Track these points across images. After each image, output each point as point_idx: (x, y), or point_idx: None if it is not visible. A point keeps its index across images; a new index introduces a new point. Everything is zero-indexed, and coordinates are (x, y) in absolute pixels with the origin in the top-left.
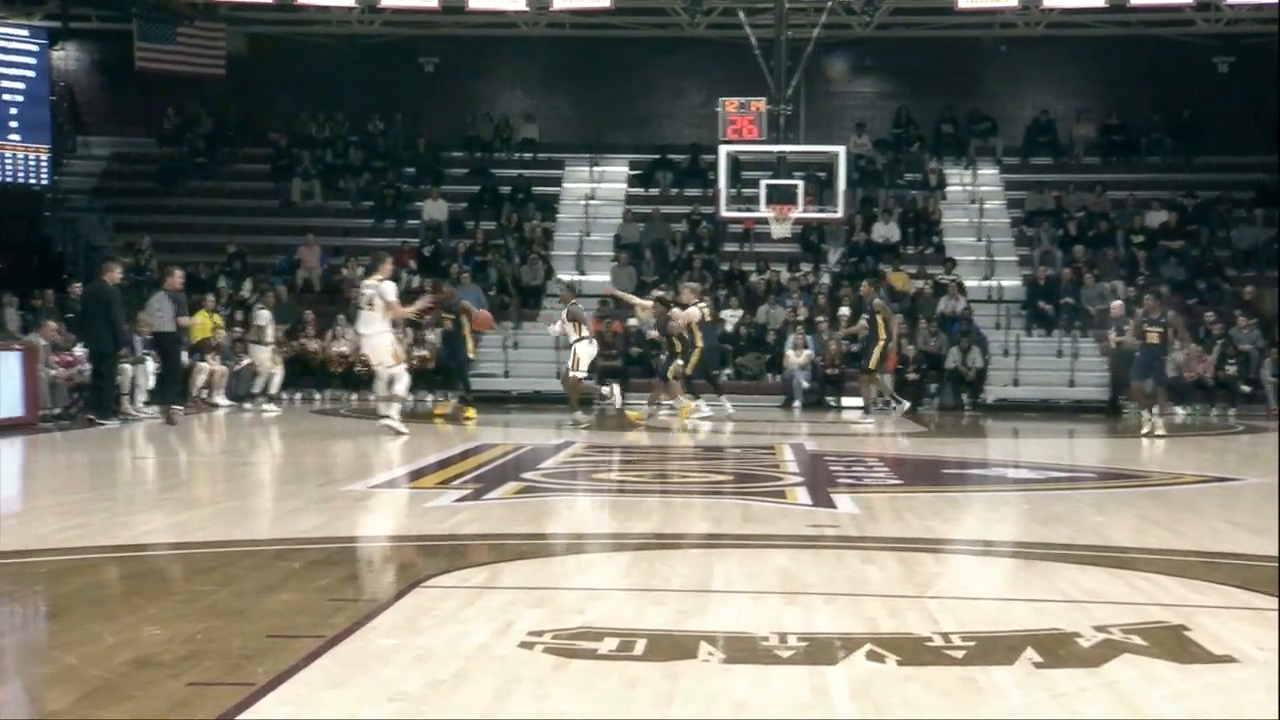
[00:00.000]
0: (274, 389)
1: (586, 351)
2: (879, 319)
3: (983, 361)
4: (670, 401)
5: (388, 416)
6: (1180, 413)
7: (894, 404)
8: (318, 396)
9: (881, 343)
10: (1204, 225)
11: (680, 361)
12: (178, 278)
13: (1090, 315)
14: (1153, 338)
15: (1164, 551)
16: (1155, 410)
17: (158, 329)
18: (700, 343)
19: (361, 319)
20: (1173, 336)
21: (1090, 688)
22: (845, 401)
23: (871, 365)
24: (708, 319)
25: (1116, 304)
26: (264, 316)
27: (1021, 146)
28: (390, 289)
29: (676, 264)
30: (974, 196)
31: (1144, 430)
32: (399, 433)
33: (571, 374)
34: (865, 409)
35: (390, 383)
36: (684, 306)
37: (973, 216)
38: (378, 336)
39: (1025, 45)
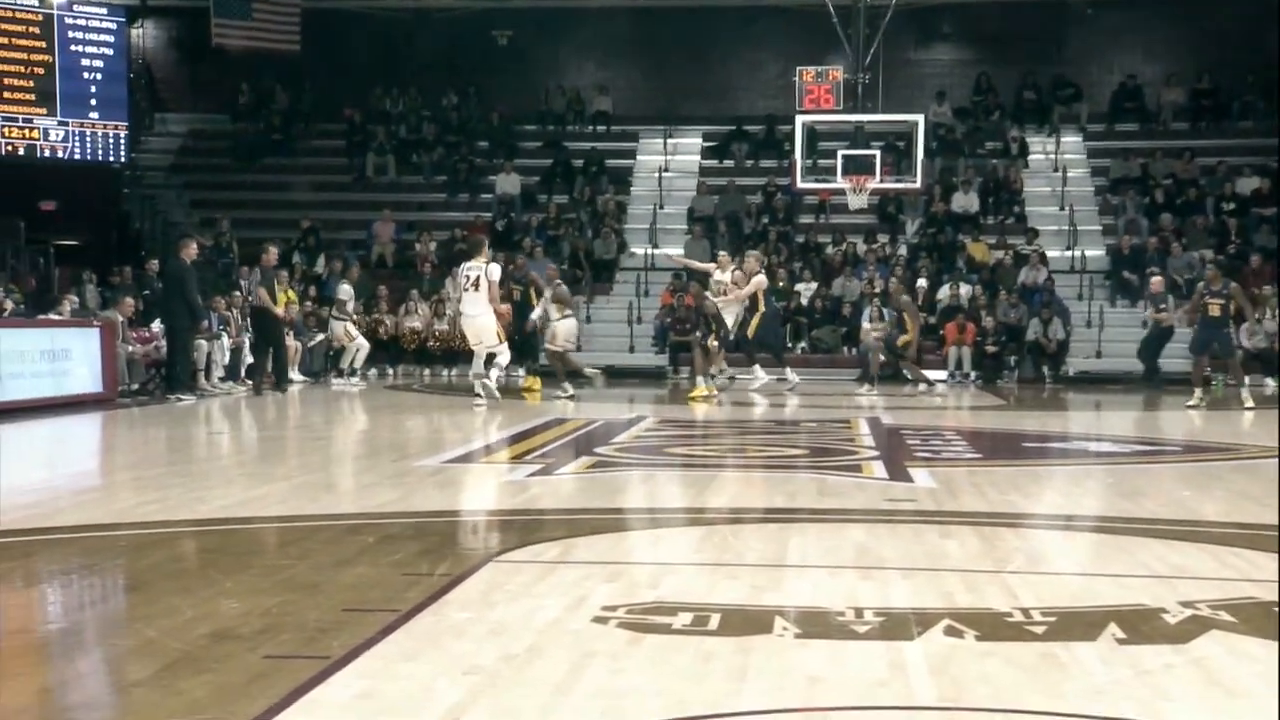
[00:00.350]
0: (359, 363)
1: (566, 327)
2: (905, 316)
3: (1064, 333)
4: (715, 372)
5: (485, 382)
6: (1270, 384)
7: (926, 385)
8: (390, 372)
9: (909, 336)
10: None
11: (713, 342)
12: (272, 254)
13: (1178, 286)
14: (1214, 310)
15: (1254, 526)
16: (1218, 383)
17: (255, 305)
18: (763, 307)
19: (467, 300)
20: (1235, 308)
21: (1176, 664)
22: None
23: (910, 355)
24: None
25: (1156, 279)
26: (345, 291)
27: (1107, 113)
28: (496, 270)
29: (751, 236)
30: (1057, 165)
31: (1190, 403)
32: (494, 396)
33: (550, 347)
34: (926, 382)
35: (490, 359)
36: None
37: (1055, 185)
38: (483, 316)
39: (1111, 7)
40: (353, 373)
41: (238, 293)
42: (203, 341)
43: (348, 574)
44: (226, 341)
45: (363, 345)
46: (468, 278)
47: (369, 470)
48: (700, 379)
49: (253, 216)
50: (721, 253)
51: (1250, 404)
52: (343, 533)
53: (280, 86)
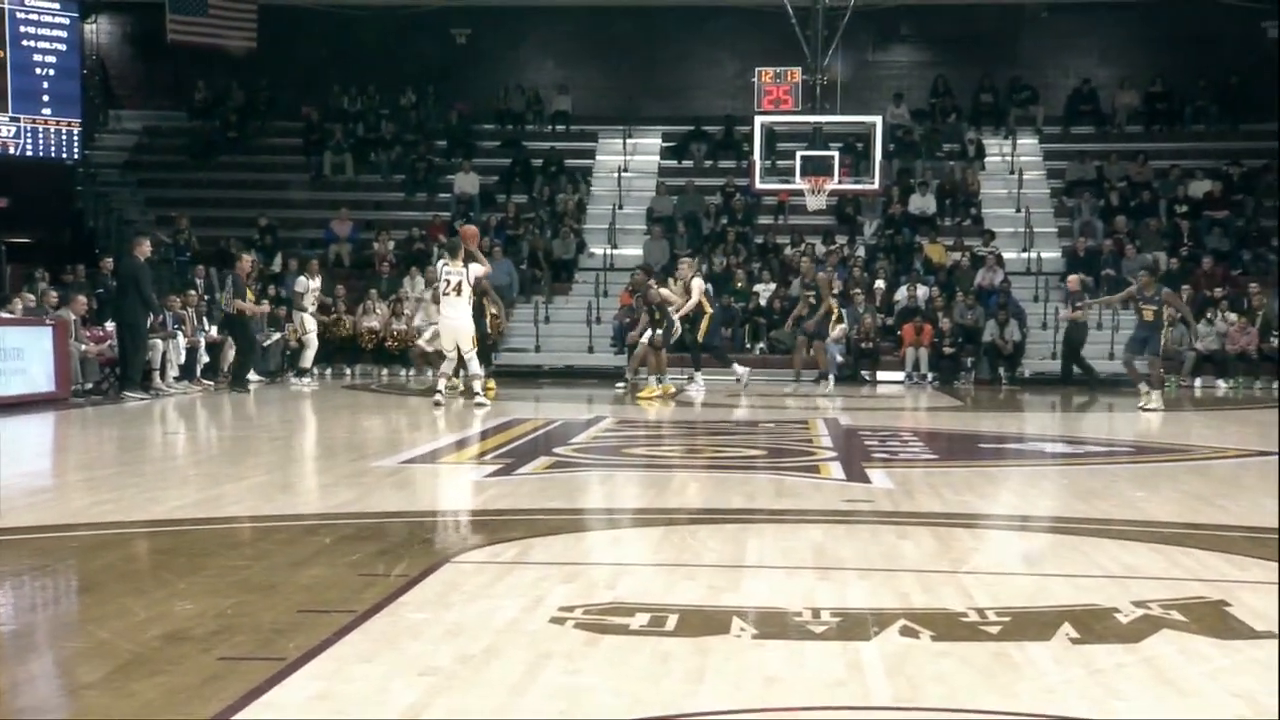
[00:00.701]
0: (306, 362)
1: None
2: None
3: (1020, 335)
4: (645, 373)
5: (475, 391)
6: (1222, 385)
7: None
8: (348, 372)
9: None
10: (1249, 195)
11: (659, 332)
12: (246, 262)
13: (1128, 285)
14: (1147, 315)
15: (1205, 527)
16: (1148, 386)
17: (227, 309)
18: (709, 309)
19: (447, 303)
20: (1168, 314)
21: (1128, 664)
22: (881, 376)
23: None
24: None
25: (1072, 278)
26: (301, 283)
27: (1062, 116)
28: (478, 269)
29: (710, 237)
30: (1013, 167)
31: (1140, 405)
32: (480, 405)
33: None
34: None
35: (460, 364)
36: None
37: (1012, 187)
38: (462, 321)
39: (1067, 11)
40: (305, 373)
41: (193, 291)
42: (158, 340)
43: (304, 575)
44: (182, 340)
45: (311, 343)
46: (448, 281)
47: (326, 471)
48: (653, 379)
49: (209, 215)
50: (688, 258)
51: (1154, 406)
52: (299, 533)
53: (237, 84)
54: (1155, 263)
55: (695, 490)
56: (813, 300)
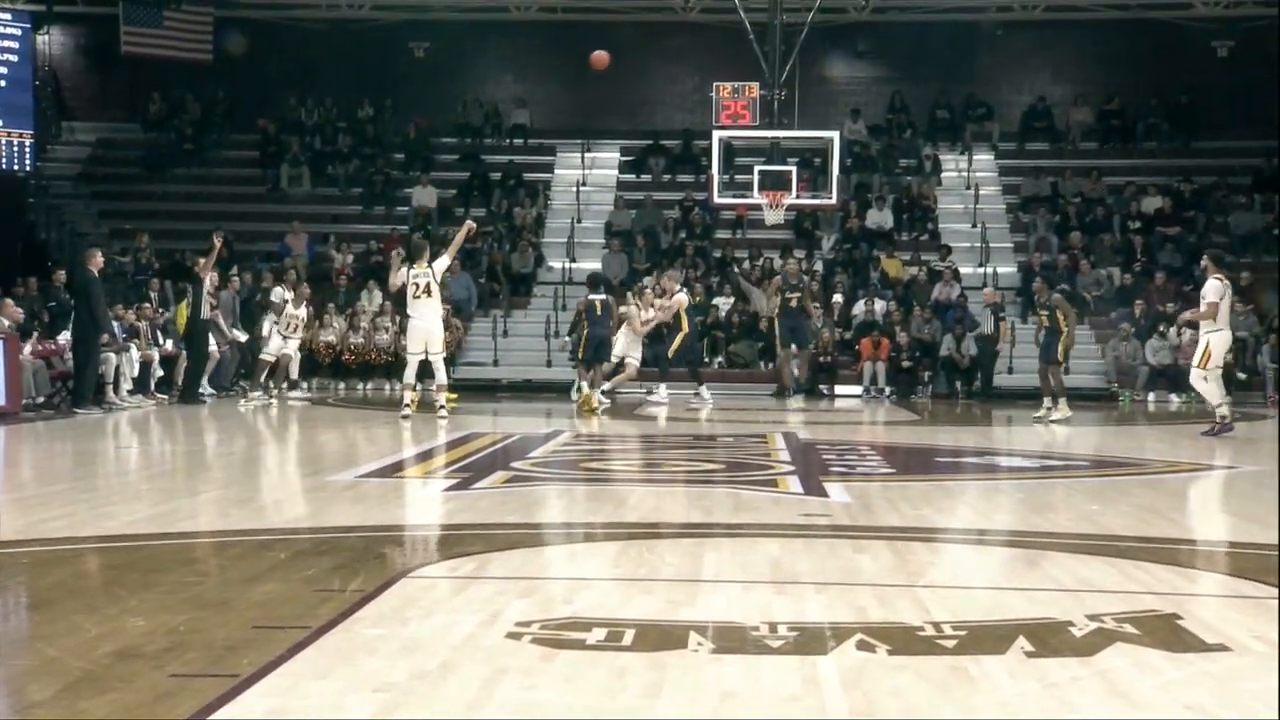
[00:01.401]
0: (290, 376)
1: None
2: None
3: (977, 349)
4: (586, 383)
5: (441, 406)
6: (1175, 400)
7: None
8: (304, 385)
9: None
10: (1201, 211)
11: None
12: (214, 278)
13: (1086, 302)
14: (1044, 321)
15: (1159, 540)
16: (1125, 398)
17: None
18: (686, 327)
19: (419, 307)
20: (1061, 321)
21: (1082, 677)
22: (839, 390)
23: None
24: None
25: (988, 291)
26: (278, 294)
27: (1017, 132)
28: (443, 262)
29: (668, 251)
30: (969, 182)
31: (1035, 416)
32: (444, 416)
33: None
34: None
35: (423, 372)
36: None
37: (968, 203)
38: (434, 323)
39: (1022, 29)
40: (295, 385)
41: (147, 304)
42: (111, 354)
43: (257, 590)
44: (135, 354)
45: (285, 356)
46: (417, 285)
47: (281, 485)
48: (595, 390)
49: (164, 228)
50: (673, 271)
51: (1056, 417)
52: (253, 549)
53: (192, 96)
54: (1050, 274)
55: (653, 504)
56: (792, 304)
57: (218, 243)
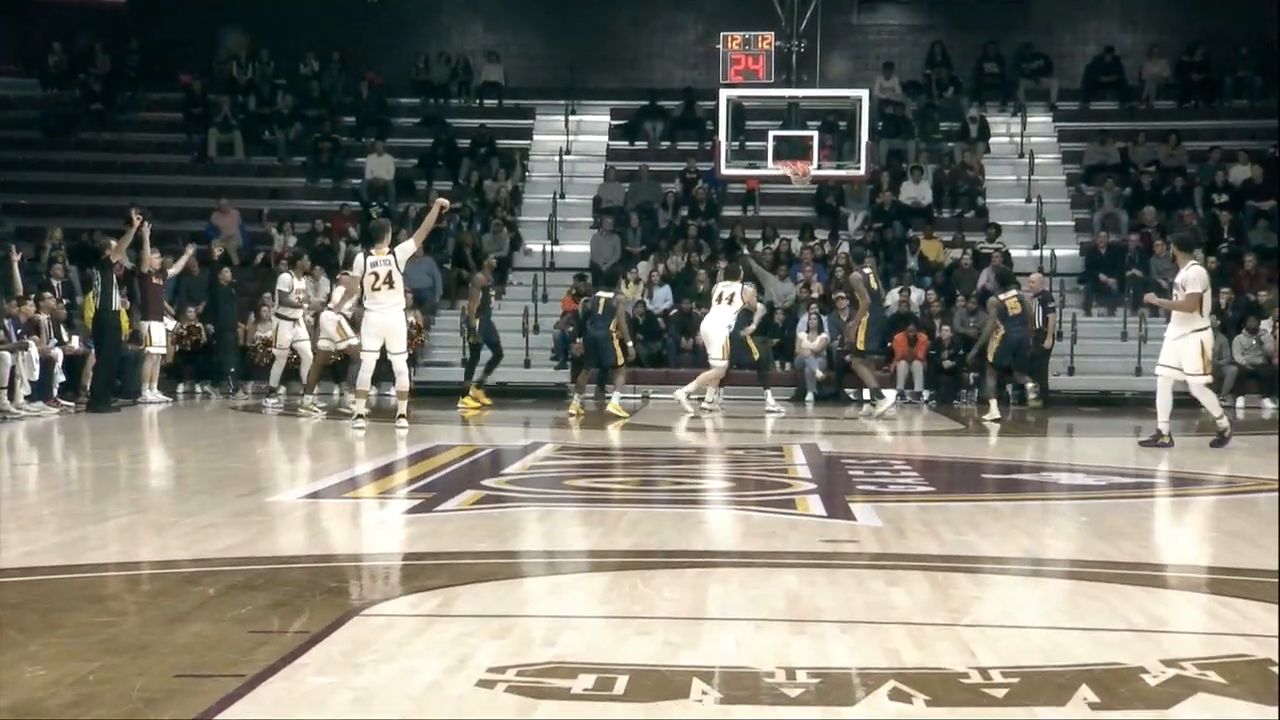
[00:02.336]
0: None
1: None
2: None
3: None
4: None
5: (401, 415)
6: (1270, 406)
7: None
8: (233, 390)
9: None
10: None
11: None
12: (155, 261)
13: (1163, 290)
14: (1014, 308)
15: (1248, 572)
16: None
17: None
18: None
19: (377, 299)
20: (861, 303)
21: None
22: (868, 394)
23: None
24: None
25: (1035, 276)
26: (285, 281)
27: (1080, 89)
28: (409, 248)
29: (667, 231)
30: (1022, 149)
31: (988, 417)
32: (404, 426)
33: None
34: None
35: (369, 373)
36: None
37: (1021, 173)
38: (396, 318)
39: None
40: (307, 390)
41: (49, 294)
42: (5, 354)
43: (182, 633)
44: (35, 353)
45: (305, 355)
46: (376, 275)
47: (210, 507)
48: (578, 398)
49: (65, 203)
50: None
51: (879, 411)
52: (176, 583)
53: (100, 46)
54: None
55: (649, 529)
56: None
57: (136, 220)
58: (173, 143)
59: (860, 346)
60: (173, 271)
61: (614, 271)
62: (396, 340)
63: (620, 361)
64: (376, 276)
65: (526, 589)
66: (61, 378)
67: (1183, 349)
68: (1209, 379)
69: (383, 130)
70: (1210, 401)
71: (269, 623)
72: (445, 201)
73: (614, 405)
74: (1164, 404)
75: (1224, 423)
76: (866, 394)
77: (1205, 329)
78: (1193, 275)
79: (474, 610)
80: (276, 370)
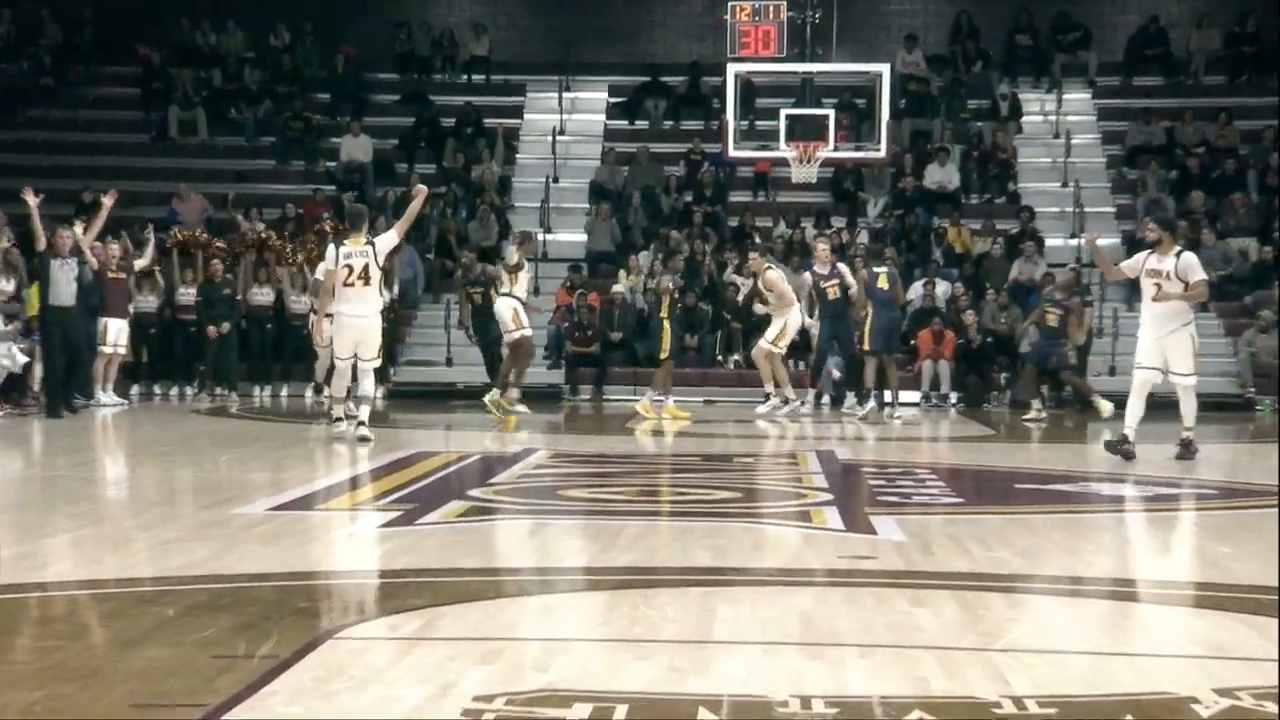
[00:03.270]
0: (318, 375)
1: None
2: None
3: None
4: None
5: (360, 422)
6: None
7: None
8: (191, 390)
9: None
10: None
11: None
12: (64, 239)
13: (1213, 283)
14: (1051, 320)
15: None
16: (1266, 407)
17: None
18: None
19: (351, 296)
20: (1074, 325)
21: None
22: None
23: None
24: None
25: (1068, 269)
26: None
27: (1122, 63)
28: (390, 239)
29: (670, 218)
30: (1058, 129)
31: (1028, 417)
32: (367, 439)
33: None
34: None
35: (355, 377)
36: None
37: (1056, 155)
38: (372, 319)
39: None
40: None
41: None
42: None
43: (138, 657)
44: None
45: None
46: (350, 268)
47: (170, 520)
48: (665, 397)
49: (13, 186)
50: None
51: (1034, 417)
52: (132, 603)
53: (51, 15)
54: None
55: (651, 544)
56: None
57: (107, 203)
58: (130, 121)
59: (866, 347)
60: (140, 264)
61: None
62: (368, 346)
63: (663, 355)
64: (350, 270)
65: (516, 609)
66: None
67: (1170, 346)
68: (1197, 379)
69: (359, 108)
70: (1192, 409)
71: (234, 646)
72: (423, 188)
73: (670, 409)
74: (1137, 409)
75: (1192, 434)
76: (888, 396)
77: (1192, 323)
78: (1192, 261)
79: (459, 633)
80: (321, 367)
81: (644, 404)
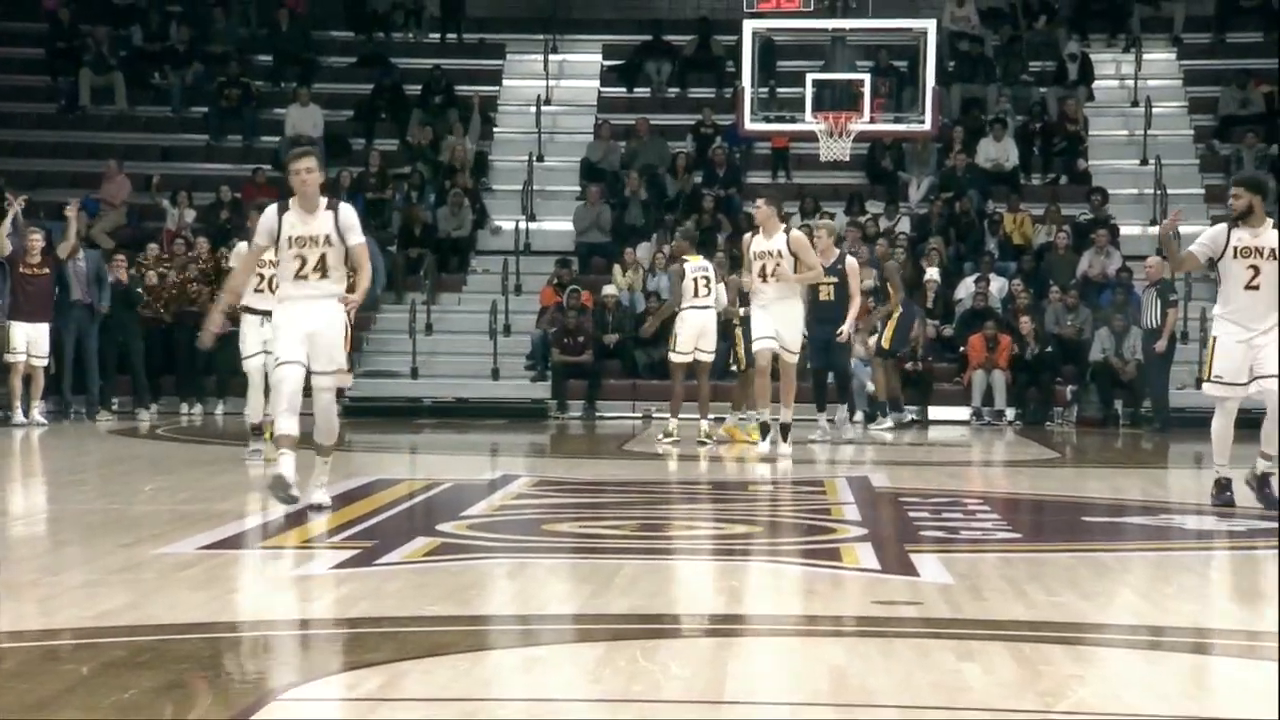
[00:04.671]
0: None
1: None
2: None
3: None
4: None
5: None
6: None
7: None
8: (115, 405)
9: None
10: None
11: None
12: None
13: None
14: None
15: None
16: None
17: None
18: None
19: (306, 289)
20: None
21: None
22: (936, 412)
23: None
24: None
25: (1153, 261)
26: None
27: (1214, 16)
28: (348, 214)
29: (677, 202)
30: (1137, 95)
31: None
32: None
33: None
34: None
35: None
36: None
37: (1135, 127)
38: (340, 315)
39: None
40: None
41: None
42: None
43: None
44: None
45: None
46: (303, 259)
47: (85, 561)
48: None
49: None
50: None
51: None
52: (37, 660)
53: None
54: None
55: (652, 587)
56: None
57: (71, 214)
58: (33, 87)
59: (886, 346)
60: (64, 254)
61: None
62: (334, 351)
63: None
64: (303, 261)
65: (494, 665)
66: None
67: (1265, 344)
68: None
69: (307, 73)
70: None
71: (159, 710)
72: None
73: (729, 427)
74: (1273, 432)
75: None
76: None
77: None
78: None
79: (426, 692)
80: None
81: (730, 427)
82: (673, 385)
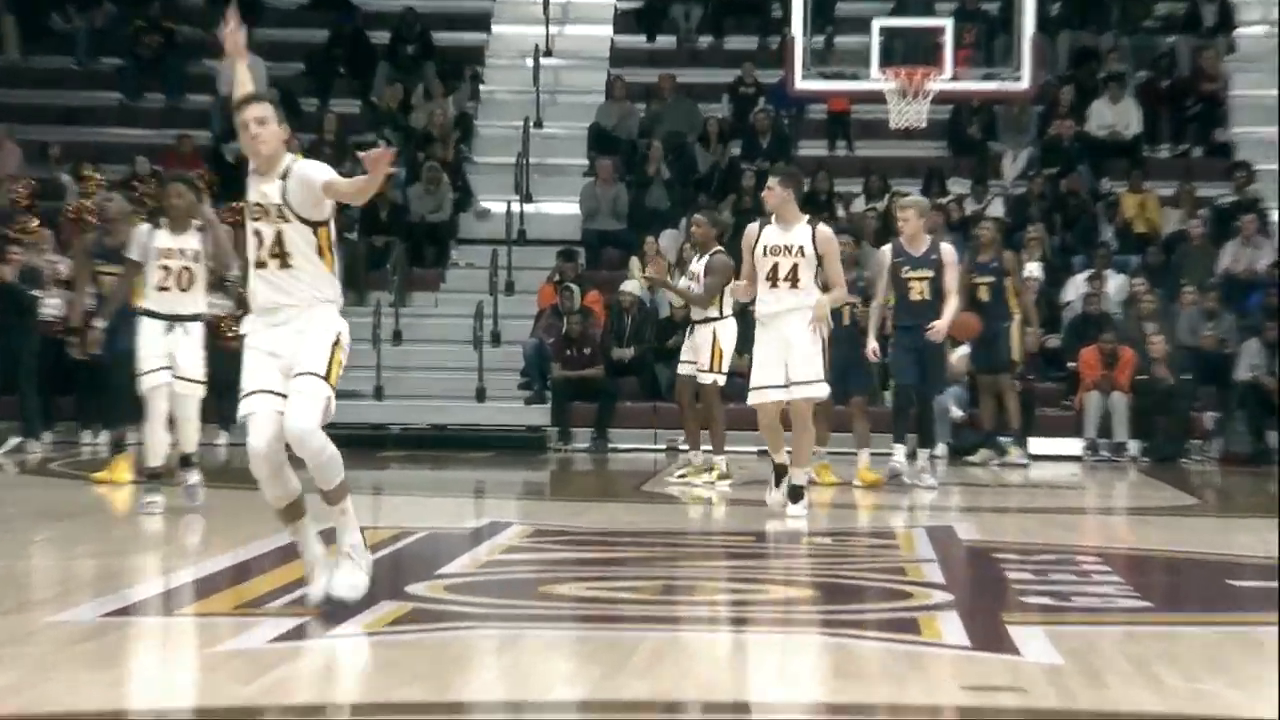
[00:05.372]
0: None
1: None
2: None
3: None
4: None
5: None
6: None
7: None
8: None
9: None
10: None
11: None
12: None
13: None
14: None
15: None
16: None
17: None
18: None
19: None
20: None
21: None
22: (1039, 445)
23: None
24: None
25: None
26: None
27: None
28: (316, 170)
29: (709, 179)
30: None
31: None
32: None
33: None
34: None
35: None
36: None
37: None
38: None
39: None
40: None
41: None
42: None
43: None
44: None
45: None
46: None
47: None
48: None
49: None
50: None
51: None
52: None
53: None
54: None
55: (680, 666)
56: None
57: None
58: None
59: (1016, 359)
60: None
61: None
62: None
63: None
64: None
65: None
66: None
67: None
68: None
69: (248, 16)
70: None
71: None
72: (384, 153)
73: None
74: None
75: None
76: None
77: None
78: None
79: None
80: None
81: (863, 469)
82: (712, 412)
